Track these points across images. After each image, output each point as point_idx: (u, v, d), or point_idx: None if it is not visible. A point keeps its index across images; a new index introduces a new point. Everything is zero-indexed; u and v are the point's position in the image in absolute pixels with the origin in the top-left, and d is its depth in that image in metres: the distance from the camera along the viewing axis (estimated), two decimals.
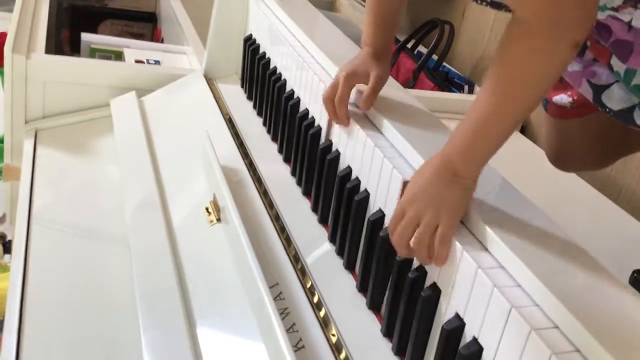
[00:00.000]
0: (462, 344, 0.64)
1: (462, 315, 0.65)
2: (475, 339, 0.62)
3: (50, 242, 1.15)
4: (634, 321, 0.56)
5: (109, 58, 1.81)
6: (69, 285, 1.05)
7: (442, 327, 0.66)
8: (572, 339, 0.54)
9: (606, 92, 0.83)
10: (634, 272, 1.16)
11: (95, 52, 1.83)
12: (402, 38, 2.21)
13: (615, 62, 0.78)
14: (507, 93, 0.65)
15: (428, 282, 0.71)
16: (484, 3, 0.75)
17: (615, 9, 0.69)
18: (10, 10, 2.82)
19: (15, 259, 1.10)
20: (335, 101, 0.90)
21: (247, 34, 1.45)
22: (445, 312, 0.68)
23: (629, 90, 0.79)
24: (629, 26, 0.70)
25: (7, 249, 1.29)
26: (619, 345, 0.51)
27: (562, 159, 1.06)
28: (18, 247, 1.12)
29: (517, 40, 0.63)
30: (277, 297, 0.85)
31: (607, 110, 0.84)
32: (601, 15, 0.71)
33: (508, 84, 0.64)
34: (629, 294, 0.60)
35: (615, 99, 0.82)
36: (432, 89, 1.94)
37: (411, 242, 0.68)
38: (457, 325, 0.64)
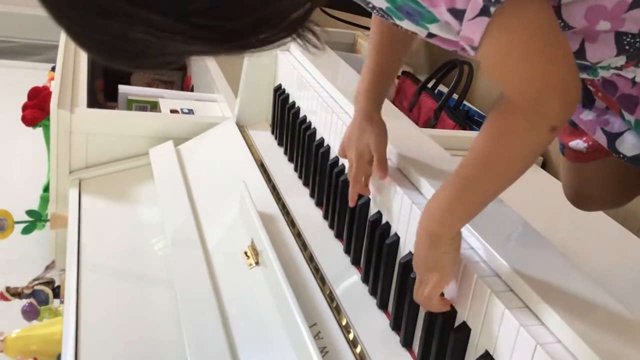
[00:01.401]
0: None
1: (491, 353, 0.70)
2: None
3: (99, 285, 1.23)
4: None
5: (145, 108, 1.91)
6: (119, 326, 1.12)
7: None
8: None
9: (619, 140, 0.89)
10: None
11: (132, 103, 1.93)
12: (422, 78, 2.28)
13: (625, 112, 0.83)
14: (484, 169, 0.68)
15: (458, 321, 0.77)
16: None
17: (619, 68, 0.75)
18: (43, 61, 2.97)
19: (67, 303, 1.17)
20: (359, 179, 0.98)
21: (277, 83, 1.53)
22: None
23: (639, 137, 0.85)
24: (633, 82, 0.76)
25: (56, 294, 1.36)
26: None
27: (580, 199, 1.10)
28: (69, 291, 1.19)
29: (500, 115, 0.66)
30: (316, 337, 0.91)
31: (622, 156, 0.90)
32: (606, 73, 0.77)
33: (484, 154, 0.67)
34: None
35: (629, 145, 0.88)
36: (454, 128, 2.00)
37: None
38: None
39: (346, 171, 1.11)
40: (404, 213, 0.90)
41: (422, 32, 0.69)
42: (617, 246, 1.50)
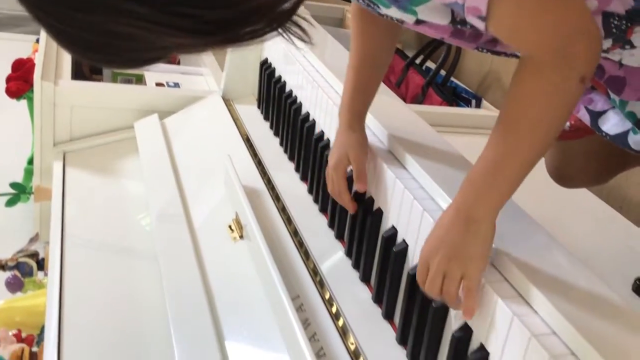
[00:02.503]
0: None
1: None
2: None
3: (83, 258, 1.23)
4: None
5: (130, 81, 1.89)
6: (103, 299, 1.12)
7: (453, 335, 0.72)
8: None
9: (602, 118, 0.90)
10: (636, 279, 1.22)
11: (117, 76, 1.91)
12: (410, 54, 2.28)
13: (611, 92, 0.84)
14: (518, 132, 0.64)
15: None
16: (484, 51, 0.80)
17: (606, 51, 0.74)
18: (28, 32, 2.93)
19: (51, 276, 1.17)
20: (335, 194, 0.96)
21: (263, 58, 1.52)
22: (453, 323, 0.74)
23: (624, 116, 0.85)
24: (620, 64, 0.76)
25: (41, 266, 1.36)
26: None
27: (563, 177, 1.11)
28: (53, 264, 1.19)
29: (525, 78, 0.63)
30: (299, 309, 0.92)
31: (604, 134, 0.90)
32: None
33: (518, 123, 0.64)
34: None
35: (611, 124, 0.88)
36: (441, 104, 2.00)
37: (443, 297, 0.69)
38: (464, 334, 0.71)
39: (331, 144, 1.12)
40: (389, 188, 0.91)
41: (409, 19, 0.67)
42: (600, 223, 1.52)
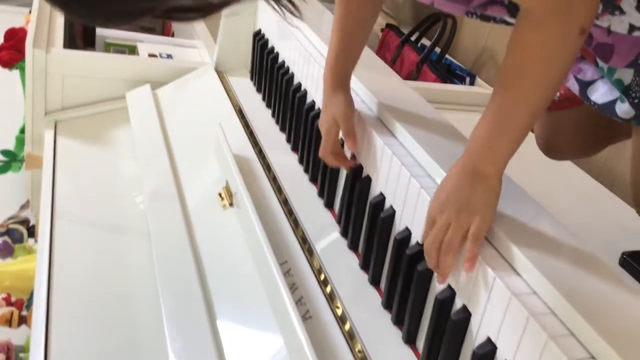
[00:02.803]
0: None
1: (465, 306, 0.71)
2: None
3: (73, 226, 1.23)
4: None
5: (123, 52, 1.88)
6: (92, 265, 1.12)
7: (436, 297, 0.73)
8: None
9: (591, 87, 0.90)
10: (623, 254, 1.23)
11: (110, 47, 1.90)
12: (406, 31, 2.27)
13: (599, 60, 0.84)
14: (519, 85, 0.65)
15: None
16: (474, 16, 0.80)
17: (595, 18, 0.74)
18: (23, 5, 2.90)
19: (41, 242, 1.17)
20: (333, 155, 0.95)
21: (256, 29, 1.52)
22: (436, 287, 0.75)
23: (611, 84, 0.85)
24: (608, 31, 0.76)
25: (31, 233, 1.36)
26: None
27: (552, 148, 1.11)
28: (43, 230, 1.20)
29: (525, 30, 0.64)
30: (287, 274, 0.92)
31: (592, 103, 0.91)
32: None
33: (520, 75, 0.65)
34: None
35: (600, 93, 0.89)
36: (435, 81, 2.00)
37: (442, 247, 0.69)
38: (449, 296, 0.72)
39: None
40: (378, 155, 0.91)
41: None
42: (590, 200, 1.52)
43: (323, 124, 0.95)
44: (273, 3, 0.56)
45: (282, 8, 0.56)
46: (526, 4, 0.64)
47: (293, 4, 0.57)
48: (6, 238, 1.29)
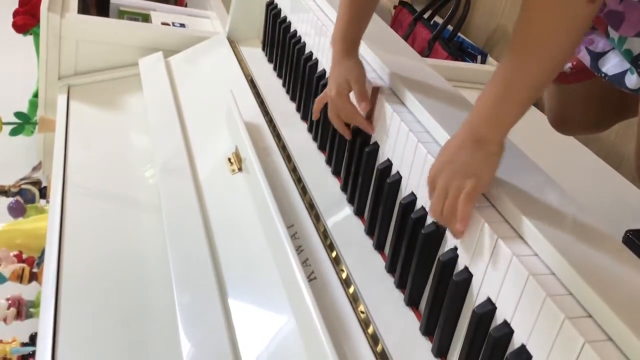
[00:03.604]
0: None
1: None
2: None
3: (84, 189, 1.25)
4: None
5: (136, 20, 1.89)
6: (102, 227, 1.15)
7: (439, 257, 0.74)
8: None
9: (602, 59, 0.90)
10: (626, 232, 1.23)
11: (124, 14, 1.91)
12: (419, 9, 2.26)
13: (610, 30, 0.84)
14: (526, 52, 0.64)
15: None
16: None
17: None
18: None
19: (52, 205, 1.19)
20: (349, 119, 0.95)
21: None
22: (445, 246, 0.76)
23: (621, 55, 0.86)
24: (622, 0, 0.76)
25: (43, 194, 1.38)
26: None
27: (562, 122, 1.12)
28: (54, 193, 1.21)
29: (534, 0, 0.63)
30: (293, 236, 0.94)
31: (603, 75, 0.91)
32: None
33: (527, 43, 0.64)
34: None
35: (610, 64, 0.89)
36: (446, 59, 2.00)
37: (444, 213, 0.69)
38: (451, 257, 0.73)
39: None
40: (386, 121, 0.92)
41: None
42: (597, 179, 1.53)
43: (333, 86, 0.95)
44: None
45: None
46: None
47: None
48: (18, 198, 1.32)
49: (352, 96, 0.95)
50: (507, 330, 0.63)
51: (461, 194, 0.67)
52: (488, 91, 0.69)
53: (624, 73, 0.86)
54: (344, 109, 0.95)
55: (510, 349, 0.63)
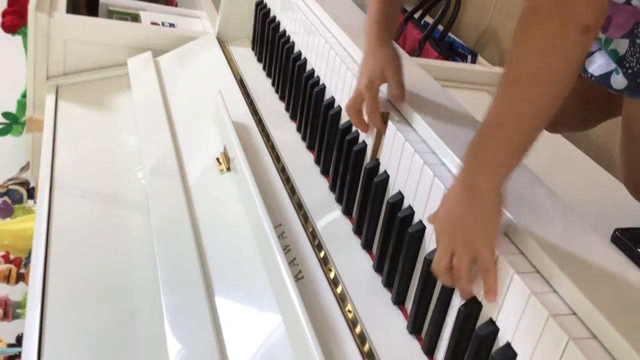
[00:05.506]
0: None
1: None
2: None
3: (72, 190, 1.24)
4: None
5: (125, 20, 1.88)
6: (90, 227, 1.14)
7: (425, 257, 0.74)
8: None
9: (589, 60, 0.90)
10: (615, 230, 1.24)
11: (113, 14, 1.90)
12: (409, 8, 2.26)
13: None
14: (515, 90, 0.60)
15: None
16: None
17: None
18: None
19: (39, 205, 1.18)
20: (367, 113, 0.89)
21: None
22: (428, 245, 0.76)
23: (607, 55, 0.86)
24: (609, 2, 0.76)
25: (31, 194, 1.37)
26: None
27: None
28: (42, 193, 1.21)
29: (523, 29, 0.59)
30: (281, 236, 0.94)
31: (589, 75, 0.91)
32: None
33: (516, 79, 0.60)
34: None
35: (597, 65, 0.89)
36: (437, 58, 2.00)
37: (454, 274, 0.65)
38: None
39: (321, 82, 1.12)
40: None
41: None
42: (586, 179, 1.54)
43: (365, 75, 0.88)
44: None
45: None
46: (527, 1, 0.59)
47: None
48: (6, 198, 1.31)
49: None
50: (492, 329, 0.63)
51: (479, 268, 0.63)
52: (478, 133, 0.64)
53: (609, 73, 0.86)
54: (370, 102, 0.87)
55: (495, 347, 0.63)
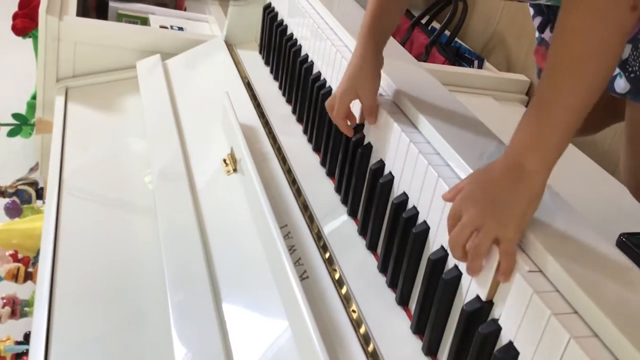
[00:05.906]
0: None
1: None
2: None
3: (80, 190, 1.25)
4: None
5: (135, 23, 1.90)
6: (98, 228, 1.15)
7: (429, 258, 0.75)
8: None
9: None
10: (620, 235, 1.24)
11: (122, 17, 1.92)
12: (416, 14, 2.27)
13: None
14: (568, 69, 0.59)
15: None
16: None
17: None
18: None
19: (48, 205, 1.20)
20: (333, 118, 0.93)
21: (267, 2, 1.53)
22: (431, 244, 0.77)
23: None
24: None
25: (39, 195, 1.39)
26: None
27: None
28: (50, 194, 1.22)
29: (572, 10, 0.59)
30: (286, 236, 0.95)
31: None
32: None
33: (567, 59, 0.59)
34: None
35: None
36: (443, 63, 2.01)
37: (467, 247, 0.63)
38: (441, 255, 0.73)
39: (327, 85, 1.13)
40: (381, 127, 0.92)
41: None
42: (592, 184, 1.54)
43: (343, 83, 0.90)
44: None
45: None
46: None
47: None
48: (15, 198, 1.32)
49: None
50: (495, 328, 0.64)
51: (499, 250, 0.61)
52: (529, 114, 0.63)
53: (613, 77, 0.86)
54: (338, 108, 0.91)
55: (498, 346, 0.64)
